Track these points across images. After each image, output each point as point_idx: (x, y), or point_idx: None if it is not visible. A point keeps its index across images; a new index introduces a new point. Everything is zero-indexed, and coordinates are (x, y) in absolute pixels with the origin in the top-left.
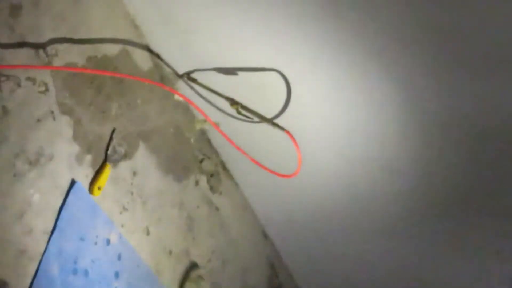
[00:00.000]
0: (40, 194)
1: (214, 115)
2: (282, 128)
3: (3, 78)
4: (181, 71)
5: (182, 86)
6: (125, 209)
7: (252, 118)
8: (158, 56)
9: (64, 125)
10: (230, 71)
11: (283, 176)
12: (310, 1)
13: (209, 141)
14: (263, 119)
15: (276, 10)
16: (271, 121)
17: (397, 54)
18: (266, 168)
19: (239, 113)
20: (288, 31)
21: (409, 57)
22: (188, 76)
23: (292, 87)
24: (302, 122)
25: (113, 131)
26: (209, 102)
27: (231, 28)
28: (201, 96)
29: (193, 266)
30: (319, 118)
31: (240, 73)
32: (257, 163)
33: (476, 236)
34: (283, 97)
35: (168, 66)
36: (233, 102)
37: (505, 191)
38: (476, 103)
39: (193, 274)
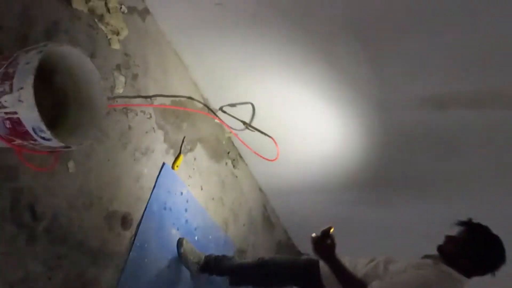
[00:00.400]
0: (147, 169)
1: (234, 128)
2: (268, 135)
3: (129, 111)
4: (217, 106)
5: (219, 114)
6: (190, 176)
7: (253, 131)
8: (206, 99)
9: (159, 135)
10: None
11: (269, 160)
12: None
13: (232, 142)
14: (257, 130)
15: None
16: (263, 132)
17: None
18: (261, 156)
19: (247, 128)
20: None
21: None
22: (221, 109)
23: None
24: (283, 130)
25: (184, 137)
26: (232, 121)
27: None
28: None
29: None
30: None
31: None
32: (256, 153)
33: None
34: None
35: (210, 104)
36: (244, 123)
37: None
38: None
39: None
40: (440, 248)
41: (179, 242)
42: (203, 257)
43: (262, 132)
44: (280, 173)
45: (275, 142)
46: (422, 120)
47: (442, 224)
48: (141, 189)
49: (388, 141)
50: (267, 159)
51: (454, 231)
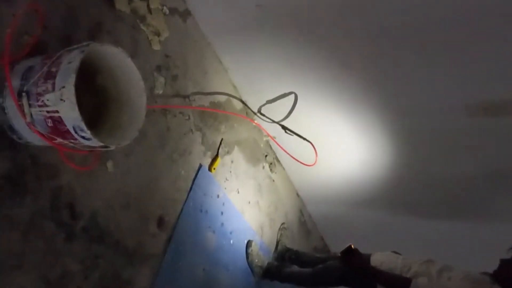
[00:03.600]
0: (185, 171)
1: (272, 132)
2: (307, 140)
3: (168, 112)
4: (256, 109)
5: (257, 117)
6: (226, 179)
7: (292, 134)
8: (245, 101)
9: (197, 136)
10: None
11: (307, 165)
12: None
13: (270, 146)
14: (296, 134)
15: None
16: (301, 136)
17: None
18: (299, 161)
19: (286, 132)
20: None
21: None
22: (259, 112)
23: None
24: (322, 136)
25: (222, 140)
26: (271, 125)
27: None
28: (266, 122)
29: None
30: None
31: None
32: (293, 157)
33: None
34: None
35: (250, 107)
36: (283, 126)
37: None
38: None
39: (282, 226)
40: (496, 273)
41: (248, 243)
42: (266, 263)
43: (300, 137)
44: (317, 179)
45: (314, 147)
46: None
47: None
48: (177, 190)
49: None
50: (305, 164)
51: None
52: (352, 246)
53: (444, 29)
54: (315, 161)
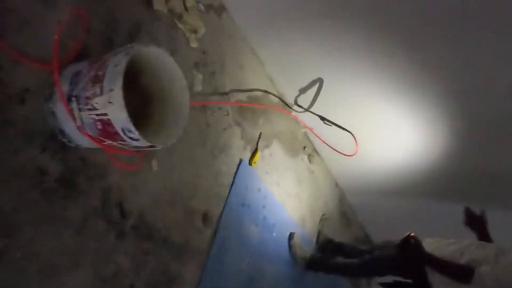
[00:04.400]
0: (226, 166)
1: (310, 123)
2: (347, 130)
3: (207, 108)
4: (293, 101)
5: (294, 109)
6: (267, 173)
7: (330, 125)
8: (281, 94)
9: (237, 131)
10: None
11: (347, 155)
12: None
13: (308, 137)
14: (335, 125)
15: None
16: (341, 127)
17: None
18: (338, 151)
19: (325, 122)
20: None
21: None
22: (296, 104)
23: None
24: (362, 126)
25: (260, 133)
26: (308, 116)
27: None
28: (303, 113)
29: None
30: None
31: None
32: (333, 148)
33: None
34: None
35: (285, 99)
36: (321, 117)
37: None
38: None
39: (323, 217)
40: None
41: (291, 235)
42: (309, 254)
43: (340, 127)
44: (357, 169)
45: (354, 137)
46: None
47: None
48: (220, 186)
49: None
50: (344, 154)
51: None
52: (412, 234)
53: None
54: (356, 151)
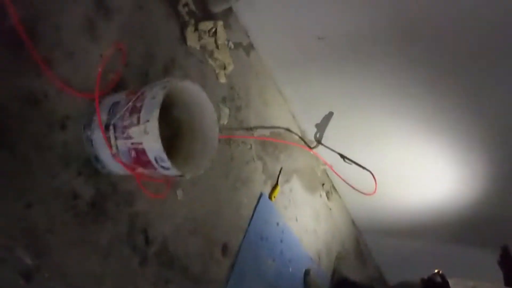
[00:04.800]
0: (247, 199)
1: (331, 160)
2: (367, 169)
3: (232, 142)
4: (314, 138)
5: (315, 146)
6: (285, 207)
7: (350, 163)
8: (303, 131)
9: (259, 165)
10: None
11: (365, 194)
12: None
13: (327, 174)
14: (355, 163)
15: None
16: (361, 166)
17: None
18: (356, 189)
19: (345, 161)
20: None
21: None
22: (317, 141)
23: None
24: (383, 166)
25: (281, 168)
26: (328, 152)
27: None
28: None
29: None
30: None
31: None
32: (352, 186)
33: None
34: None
35: (306, 136)
36: (341, 155)
37: None
38: None
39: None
40: None
41: (306, 271)
42: None
43: (360, 166)
44: (376, 208)
45: (374, 177)
46: None
47: None
48: (240, 218)
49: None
50: (364, 193)
51: None
52: (440, 272)
53: None
54: (375, 190)
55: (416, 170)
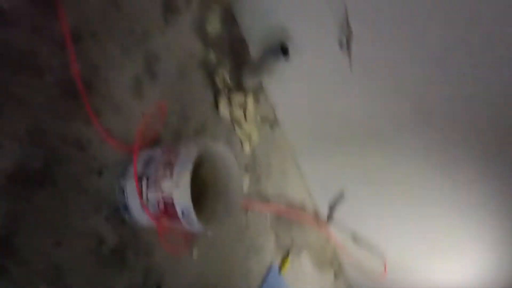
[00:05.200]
0: (257, 268)
1: (341, 239)
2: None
3: (248, 210)
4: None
5: (327, 224)
6: (293, 281)
7: (360, 248)
8: (317, 208)
9: (271, 236)
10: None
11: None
12: None
13: (337, 253)
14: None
15: None
16: (372, 251)
17: None
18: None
19: (356, 243)
20: None
21: None
22: (329, 220)
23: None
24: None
25: (292, 242)
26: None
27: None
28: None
29: None
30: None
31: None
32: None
33: None
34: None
35: (319, 213)
36: (354, 237)
37: None
38: None
39: None
40: None
41: None
42: None
43: (371, 251)
44: None
45: (384, 262)
46: None
47: None
48: (249, 286)
49: None
50: (373, 276)
51: None
52: None
53: None
54: (384, 274)
55: (438, 250)
